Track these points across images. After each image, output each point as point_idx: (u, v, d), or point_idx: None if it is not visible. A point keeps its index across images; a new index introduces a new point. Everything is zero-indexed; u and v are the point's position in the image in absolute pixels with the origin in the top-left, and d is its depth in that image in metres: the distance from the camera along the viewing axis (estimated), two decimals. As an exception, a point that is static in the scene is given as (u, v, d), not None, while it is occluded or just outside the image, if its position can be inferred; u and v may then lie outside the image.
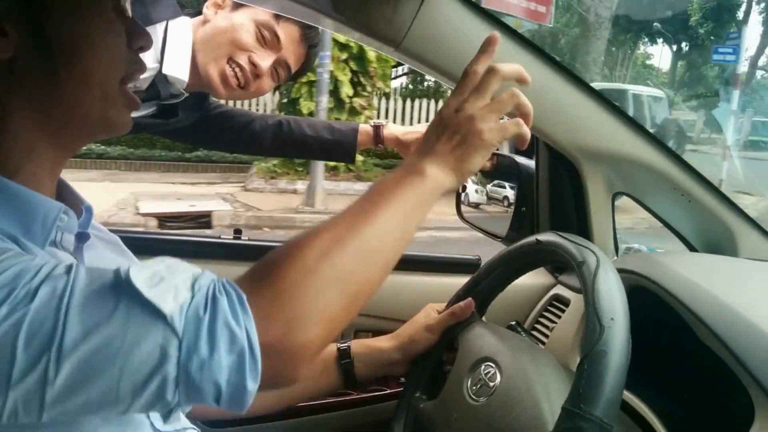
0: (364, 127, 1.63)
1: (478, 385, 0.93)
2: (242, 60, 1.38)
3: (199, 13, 1.42)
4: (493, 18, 1.06)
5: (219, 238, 1.59)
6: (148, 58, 1.32)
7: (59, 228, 0.70)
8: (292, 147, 1.69)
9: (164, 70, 1.34)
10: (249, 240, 1.58)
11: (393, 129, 1.60)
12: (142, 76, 1.29)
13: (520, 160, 1.45)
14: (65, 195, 0.78)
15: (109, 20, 0.70)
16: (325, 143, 1.64)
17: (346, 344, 1.12)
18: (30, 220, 0.67)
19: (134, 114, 0.77)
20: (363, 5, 0.99)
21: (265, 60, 1.39)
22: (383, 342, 1.12)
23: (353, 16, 1.01)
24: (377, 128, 1.61)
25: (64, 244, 0.72)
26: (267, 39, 1.38)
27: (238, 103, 3.71)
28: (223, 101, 1.71)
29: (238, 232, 1.59)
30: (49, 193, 0.72)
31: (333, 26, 1.06)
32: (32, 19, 0.64)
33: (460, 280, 1.18)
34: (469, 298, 1.09)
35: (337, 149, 1.65)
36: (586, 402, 0.67)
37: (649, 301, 0.95)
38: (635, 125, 1.18)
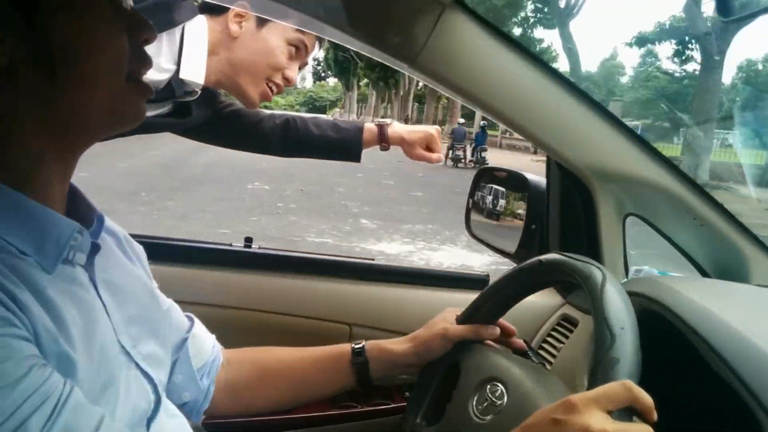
0: (369, 126, 1.65)
1: (484, 404, 0.92)
2: (278, 78, 1.47)
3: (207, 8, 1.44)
4: (507, 37, 1.07)
5: (230, 245, 1.60)
6: (166, 58, 1.34)
7: (72, 247, 0.70)
8: (299, 146, 1.72)
9: (181, 75, 1.36)
10: (259, 249, 1.58)
11: (398, 128, 1.63)
12: (159, 77, 1.31)
13: (530, 177, 1.45)
14: (77, 204, 0.78)
15: (106, 19, 0.69)
16: (331, 142, 1.67)
17: (360, 345, 1.12)
18: (43, 238, 0.67)
19: (149, 113, 0.77)
20: (379, 21, 1.00)
21: (295, 71, 1.48)
22: (397, 345, 1.12)
23: (369, 32, 1.02)
24: (382, 127, 1.64)
25: (76, 260, 0.72)
26: (297, 51, 1.47)
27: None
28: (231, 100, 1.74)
29: (248, 240, 1.60)
30: (61, 200, 0.72)
31: (348, 41, 1.06)
32: (27, 24, 0.63)
33: (467, 296, 1.18)
34: (496, 326, 1.09)
35: (343, 148, 1.68)
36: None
37: (659, 326, 0.94)
38: (648, 146, 1.17)
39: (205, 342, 1.05)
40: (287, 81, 1.48)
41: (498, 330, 1.09)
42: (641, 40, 37.44)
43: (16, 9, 0.63)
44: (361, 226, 9.56)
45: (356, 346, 1.12)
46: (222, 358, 1.07)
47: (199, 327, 1.06)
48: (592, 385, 0.70)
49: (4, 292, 0.58)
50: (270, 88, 1.47)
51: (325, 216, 9.97)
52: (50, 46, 0.65)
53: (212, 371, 1.04)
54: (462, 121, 24.83)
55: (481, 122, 24.64)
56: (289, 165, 13.47)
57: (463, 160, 19.81)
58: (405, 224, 9.81)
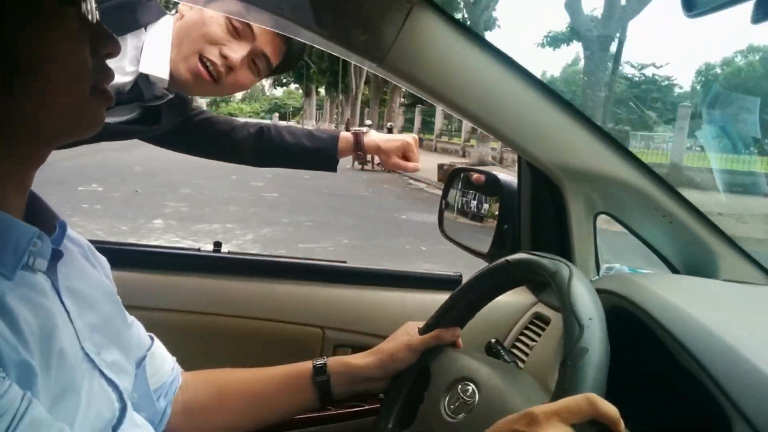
0: (345, 135, 1.62)
1: (456, 404, 0.92)
2: (213, 54, 1.35)
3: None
4: (476, 35, 1.07)
5: (198, 250, 1.58)
6: (130, 61, 1.31)
7: (32, 253, 0.68)
8: (273, 155, 1.67)
9: (141, 69, 1.32)
10: (229, 253, 1.56)
11: (374, 136, 1.60)
12: (124, 79, 1.29)
13: (502, 176, 1.45)
14: (37, 210, 0.76)
15: (71, 32, 0.67)
16: (305, 151, 1.62)
17: (322, 361, 1.10)
18: (1, 246, 0.65)
19: (116, 119, 0.75)
20: (346, 21, 0.99)
21: (237, 52, 1.35)
22: (361, 359, 1.10)
23: (336, 32, 1.01)
24: (358, 136, 1.60)
25: (37, 266, 0.70)
26: (239, 30, 1.35)
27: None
28: (205, 107, 1.70)
29: (217, 245, 1.58)
30: (18, 207, 0.70)
31: (315, 40, 1.05)
32: None
33: (440, 297, 1.17)
34: (457, 328, 1.08)
35: (318, 157, 1.64)
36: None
37: (628, 323, 0.95)
38: (618, 145, 1.18)
39: (164, 362, 1.02)
40: (225, 59, 1.34)
41: (459, 331, 1.08)
42: (554, 40, 36.52)
43: None
44: (151, 226, 9.13)
45: (318, 363, 1.10)
46: (181, 380, 1.05)
47: (159, 347, 1.03)
48: (562, 376, 0.71)
49: None
50: (206, 66, 1.35)
51: (123, 217, 9.52)
52: (12, 57, 0.63)
53: (170, 392, 1.02)
54: (390, 125, 24.73)
55: (388, 124, 24.90)
56: (177, 168, 13.47)
57: (370, 162, 19.73)
58: (200, 224, 9.41)
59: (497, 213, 1.43)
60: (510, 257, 0.98)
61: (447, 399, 0.94)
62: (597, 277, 1.29)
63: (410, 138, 1.61)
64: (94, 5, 0.72)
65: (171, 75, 1.36)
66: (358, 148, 1.60)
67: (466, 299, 1.08)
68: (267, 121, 1.87)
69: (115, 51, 0.74)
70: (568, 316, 0.77)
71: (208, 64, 1.35)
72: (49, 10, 0.65)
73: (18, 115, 0.65)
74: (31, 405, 0.58)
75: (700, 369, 0.82)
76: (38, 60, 0.65)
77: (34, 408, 0.58)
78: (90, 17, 0.70)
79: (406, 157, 1.59)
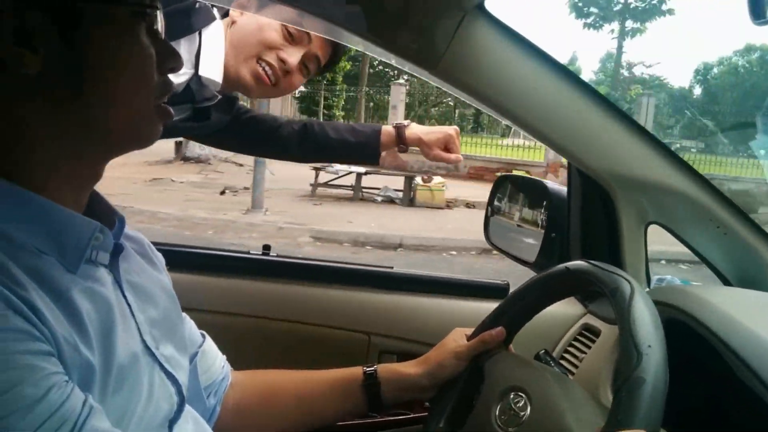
0: (387, 129, 1.64)
1: (507, 415, 0.91)
2: (271, 58, 1.40)
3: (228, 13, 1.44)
4: (528, 43, 1.06)
5: (248, 253, 1.60)
6: (184, 62, 1.35)
7: (94, 247, 0.71)
8: (317, 151, 1.71)
9: (200, 72, 1.36)
10: (277, 256, 1.58)
11: (415, 129, 1.62)
12: (178, 80, 1.32)
13: (550, 184, 1.44)
14: (98, 206, 0.78)
15: (141, 44, 0.70)
16: (349, 145, 1.66)
17: (372, 368, 1.10)
18: (65, 239, 0.67)
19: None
20: (400, 28, 1.00)
21: (293, 56, 1.41)
22: (410, 367, 1.10)
23: (390, 39, 1.02)
24: (399, 129, 1.62)
25: (99, 260, 0.72)
26: (294, 35, 1.40)
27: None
28: (251, 107, 1.73)
29: (266, 248, 1.60)
30: (77, 208, 0.72)
31: (368, 48, 1.06)
32: (62, 37, 0.65)
33: (487, 305, 1.17)
34: (501, 327, 1.07)
35: (361, 151, 1.67)
36: (624, 429, 0.66)
37: (684, 335, 0.93)
38: (670, 153, 1.16)
39: (215, 360, 1.04)
40: (282, 63, 1.40)
41: (503, 330, 1.07)
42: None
43: (54, 23, 0.64)
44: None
45: (368, 369, 1.10)
46: (231, 378, 1.06)
47: (210, 344, 1.04)
48: (616, 406, 0.69)
49: (23, 302, 0.58)
50: (264, 71, 1.40)
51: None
52: (83, 64, 0.66)
53: (220, 391, 1.03)
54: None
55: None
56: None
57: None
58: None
59: (545, 221, 1.42)
60: (570, 264, 0.96)
61: (498, 409, 0.93)
62: (648, 288, 1.27)
63: (452, 130, 1.62)
64: (163, 22, 0.75)
65: (231, 78, 1.41)
66: (401, 141, 1.62)
67: (519, 305, 1.07)
68: (311, 119, 1.91)
69: (178, 67, 0.77)
70: (626, 340, 0.74)
71: (267, 67, 1.40)
72: (120, 22, 0.68)
73: (85, 119, 0.68)
74: (92, 412, 0.59)
75: (759, 383, 0.80)
76: (107, 68, 0.68)
77: (94, 416, 0.60)
78: (159, 33, 0.74)
79: (447, 149, 1.61)
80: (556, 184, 1.44)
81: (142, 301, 0.79)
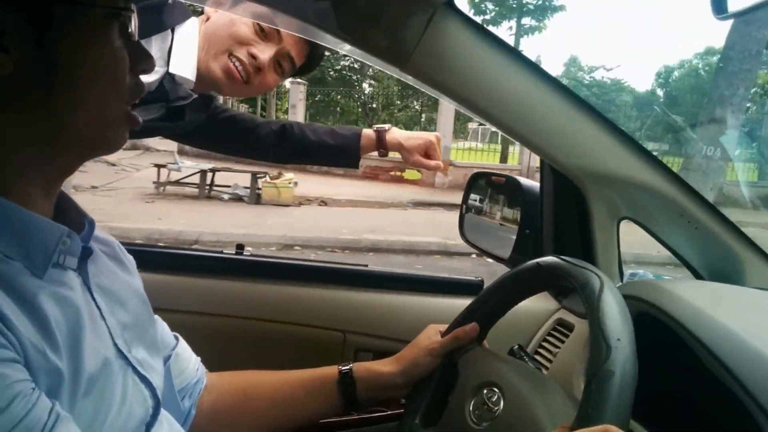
0: (367, 132, 1.63)
1: (481, 410, 0.91)
2: (242, 54, 1.38)
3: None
4: (498, 39, 1.06)
5: (221, 252, 1.59)
6: (156, 60, 1.33)
7: (62, 251, 0.70)
8: (296, 152, 1.70)
9: (171, 70, 1.35)
10: (251, 256, 1.57)
11: (396, 134, 1.61)
12: (150, 79, 1.30)
13: (524, 182, 1.45)
14: (66, 209, 0.77)
15: (114, 46, 0.69)
16: (328, 149, 1.64)
17: (347, 367, 1.10)
18: (31, 244, 0.66)
19: (142, 117, 0.77)
20: (369, 24, 0.99)
21: (265, 52, 1.38)
22: (385, 366, 1.10)
23: (360, 35, 1.01)
24: (380, 133, 1.61)
25: (67, 264, 0.71)
26: (265, 31, 1.38)
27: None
28: (228, 105, 1.71)
29: (240, 247, 1.59)
30: (46, 209, 0.71)
31: (338, 45, 1.06)
32: (35, 39, 0.64)
33: (462, 302, 1.17)
34: (474, 323, 1.07)
35: (341, 155, 1.65)
36: (594, 422, 0.66)
37: (655, 329, 0.93)
38: (641, 149, 1.17)
39: (189, 362, 1.03)
40: (253, 58, 1.38)
41: (476, 326, 1.07)
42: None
43: (28, 23, 0.63)
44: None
45: (343, 369, 1.10)
46: (206, 380, 1.05)
47: (184, 347, 1.03)
48: (586, 399, 0.70)
49: None
50: (235, 66, 1.38)
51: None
52: (56, 67, 0.65)
53: (194, 393, 1.02)
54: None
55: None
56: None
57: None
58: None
59: (519, 218, 1.42)
60: (541, 260, 0.96)
61: (472, 404, 0.93)
62: (620, 283, 1.28)
63: (432, 136, 1.61)
64: (136, 23, 0.74)
65: (202, 75, 1.39)
66: (381, 146, 1.62)
67: (492, 301, 1.07)
68: (290, 120, 1.90)
69: (150, 68, 0.76)
70: (595, 333, 0.75)
71: (237, 63, 1.38)
72: (93, 23, 0.67)
73: (56, 123, 0.67)
74: (59, 420, 0.58)
75: (729, 376, 0.81)
76: (79, 70, 0.67)
77: (61, 424, 0.59)
78: (132, 34, 0.73)
79: (428, 155, 1.60)
80: (530, 181, 1.45)
81: (113, 305, 0.77)
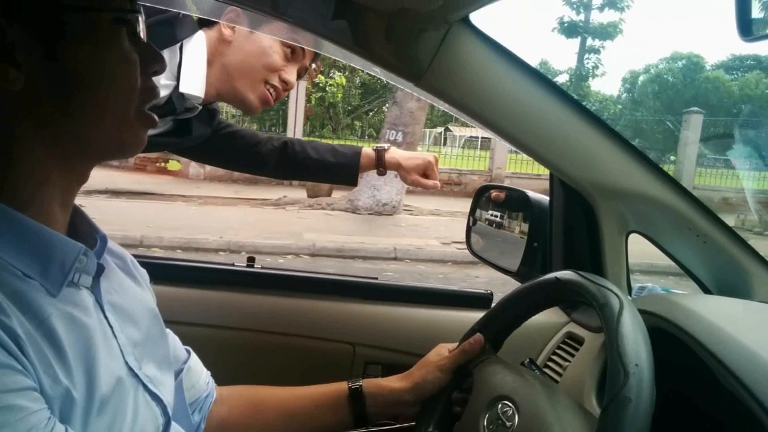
0: (367, 151, 1.65)
1: (495, 424, 0.91)
2: (275, 81, 1.44)
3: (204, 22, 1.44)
4: (511, 55, 1.07)
5: (232, 265, 1.59)
6: (165, 75, 1.34)
7: (77, 270, 0.69)
8: (296, 169, 1.72)
9: (181, 89, 1.36)
10: (262, 268, 1.57)
11: (395, 154, 1.63)
12: (159, 94, 1.31)
13: (532, 194, 1.45)
14: (80, 224, 0.77)
15: (124, 51, 0.69)
16: (328, 166, 1.66)
17: (357, 383, 1.09)
18: (48, 260, 0.66)
19: (151, 132, 0.77)
20: (384, 40, 1.00)
21: (293, 74, 1.46)
22: (395, 382, 1.10)
23: (374, 50, 1.02)
24: (380, 152, 1.63)
25: (81, 283, 0.71)
26: (293, 53, 1.44)
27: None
28: (231, 121, 1.74)
29: (251, 260, 1.59)
30: (62, 223, 0.72)
31: (354, 60, 1.07)
32: (45, 50, 0.64)
33: (471, 315, 1.17)
34: (479, 334, 1.07)
35: (340, 172, 1.68)
36: None
37: (668, 343, 0.94)
38: (650, 163, 1.18)
39: (200, 376, 1.03)
40: (285, 84, 1.46)
41: (482, 337, 1.06)
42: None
43: (36, 36, 0.63)
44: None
45: (353, 385, 1.09)
46: (216, 394, 1.05)
47: (195, 360, 1.03)
48: (602, 425, 0.69)
49: (5, 331, 0.57)
50: (269, 92, 1.45)
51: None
52: (68, 76, 0.65)
53: (204, 407, 1.02)
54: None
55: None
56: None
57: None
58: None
59: (527, 231, 1.43)
60: (560, 274, 0.96)
61: (487, 418, 0.93)
62: (630, 297, 1.28)
63: (431, 156, 1.64)
64: (143, 26, 0.74)
65: (236, 100, 1.46)
66: (380, 164, 1.64)
67: (507, 314, 1.07)
68: (291, 136, 1.91)
69: (161, 69, 0.76)
70: (613, 358, 0.74)
71: (272, 90, 1.45)
72: (102, 30, 0.67)
73: (73, 132, 0.67)
74: None
75: (744, 390, 0.81)
76: (91, 77, 0.67)
77: None
78: (141, 36, 0.73)
79: (425, 175, 1.62)
80: (538, 194, 1.45)
81: (124, 321, 0.77)
